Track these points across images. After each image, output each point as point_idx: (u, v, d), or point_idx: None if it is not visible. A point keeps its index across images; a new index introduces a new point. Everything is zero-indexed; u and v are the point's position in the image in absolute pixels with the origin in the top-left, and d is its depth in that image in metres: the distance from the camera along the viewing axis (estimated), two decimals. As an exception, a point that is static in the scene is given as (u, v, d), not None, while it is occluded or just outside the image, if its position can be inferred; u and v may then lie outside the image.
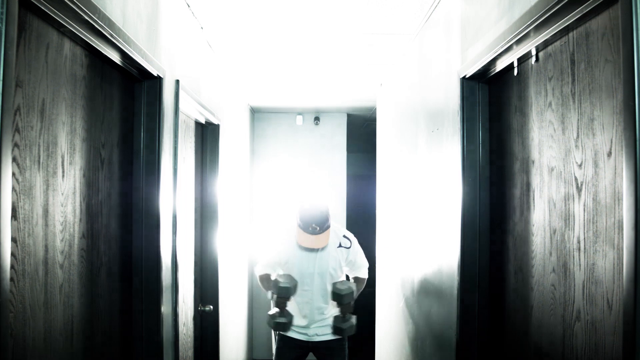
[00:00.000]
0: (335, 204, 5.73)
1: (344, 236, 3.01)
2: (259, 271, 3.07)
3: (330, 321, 2.93)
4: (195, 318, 2.96)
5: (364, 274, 3.09)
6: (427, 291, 2.61)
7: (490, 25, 1.78)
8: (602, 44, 1.23)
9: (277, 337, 3.10)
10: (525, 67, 1.66)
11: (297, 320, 2.98)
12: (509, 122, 1.79)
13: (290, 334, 3.00)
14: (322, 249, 2.90)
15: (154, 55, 2.00)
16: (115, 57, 1.68)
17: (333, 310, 2.98)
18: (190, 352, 2.86)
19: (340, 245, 2.96)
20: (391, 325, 3.69)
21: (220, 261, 3.27)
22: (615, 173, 1.17)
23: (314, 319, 2.96)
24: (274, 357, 3.09)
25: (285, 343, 3.03)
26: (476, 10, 1.93)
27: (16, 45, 1.09)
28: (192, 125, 2.92)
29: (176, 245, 2.25)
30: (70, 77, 1.47)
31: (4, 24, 1.00)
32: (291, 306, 2.98)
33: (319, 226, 2.78)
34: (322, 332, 2.98)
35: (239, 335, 4.54)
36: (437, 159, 2.42)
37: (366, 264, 3.08)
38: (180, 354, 2.53)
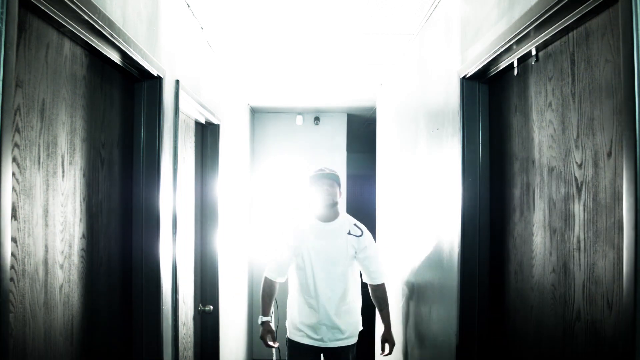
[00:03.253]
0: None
1: (355, 224, 2.99)
2: (268, 275, 3.04)
3: (343, 325, 2.89)
4: (195, 318, 2.96)
5: (381, 278, 2.98)
6: (427, 291, 2.61)
7: (490, 25, 1.78)
8: (602, 44, 1.23)
9: (287, 344, 3.06)
10: (525, 67, 1.66)
11: (307, 319, 2.92)
12: (509, 122, 1.79)
13: (301, 339, 2.95)
14: (333, 236, 2.90)
15: (154, 55, 2.00)
16: (115, 57, 1.68)
17: (345, 307, 2.90)
18: (190, 352, 2.86)
19: (349, 233, 2.94)
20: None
21: (220, 261, 3.27)
22: (615, 173, 1.17)
23: (326, 315, 2.88)
24: None
25: (296, 349, 2.99)
26: (476, 10, 1.93)
27: (16, 45, 1.09)
28: (192, 125, 2.92)
29: (176, 245, 2.25)
30: (70, 77, 1.47)
31: (4, 24, 1.00)
32: (300, 306, 2.94)
33: (329, 171, 2.94)
34: (335, 337, 2.91)
35: (239, 335, 4.54)
36: (437, 159, 2.42)
37: (382, 264, 3.00)
38: (180, 354, 2.53)
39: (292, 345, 3.00)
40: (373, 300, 3.07)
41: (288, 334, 3.05)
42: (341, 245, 2.91)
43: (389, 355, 3.10)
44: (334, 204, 2.94)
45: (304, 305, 2.93)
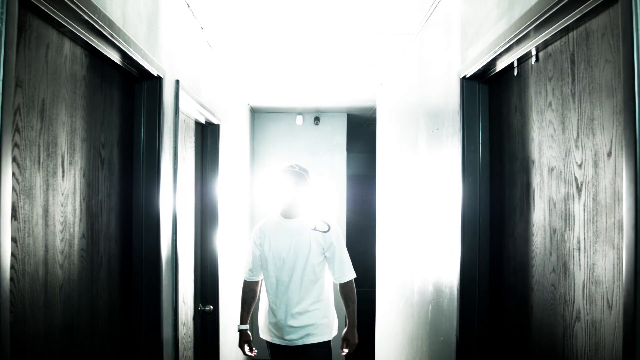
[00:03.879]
0: (335, 204, 5.73)
1: (323, 220, 2.86)
2: (242, 275, 3.04)
3: (305, 322, 2.80)
4: (195, 318, 2.96)
5: (345, 277, 2.85)
6: (427, 291, 2.61)
7: (490, 25, 1.78)
8: (602, 44, 1.23)
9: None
10: (525, 67, 1.66)
11: (271, 317, 2.87)
12: (509, 122, 1.79)
13: (268, 337, 2.92)
14: (295, 233, 2.84)
15: (154, 55, 2.00)
16: (115, 57, 1.68)
17: (308, 305, 2.81)
18: (190, 352, 2.86)
19: (315, 228, 2.82)
20: (391, 325, 3.69)
21: (220, 261, 3.27)
22: (615, 173, 1.17)
23: (286, 313, 2.81)
24: None
25: (269, 347, 2.99)
26: (476, 10, 1.93)
27: (16, 45, 1.09)
28: (192, 125, 2.92)
29: (176, 245, 2.25)
30: (70, 77, 1.47)
31: (4, 24, 1.00)
32: (266, 304, 2.91)
33: (298, 169, 2.85)
34: (297, 336, 2.82)
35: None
36: (437, 159, 2.42)
37: (347, 261, 2.86)
38: (180, 354, 2.53)
39: (266, 343, 3.00)
40: (340, 297, 2.94)
41: (259, 332, 3.02)
42: (303, 242, 2.81)
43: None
44: (298, 201, 2.86)
45: (268, 303, 2.90)
